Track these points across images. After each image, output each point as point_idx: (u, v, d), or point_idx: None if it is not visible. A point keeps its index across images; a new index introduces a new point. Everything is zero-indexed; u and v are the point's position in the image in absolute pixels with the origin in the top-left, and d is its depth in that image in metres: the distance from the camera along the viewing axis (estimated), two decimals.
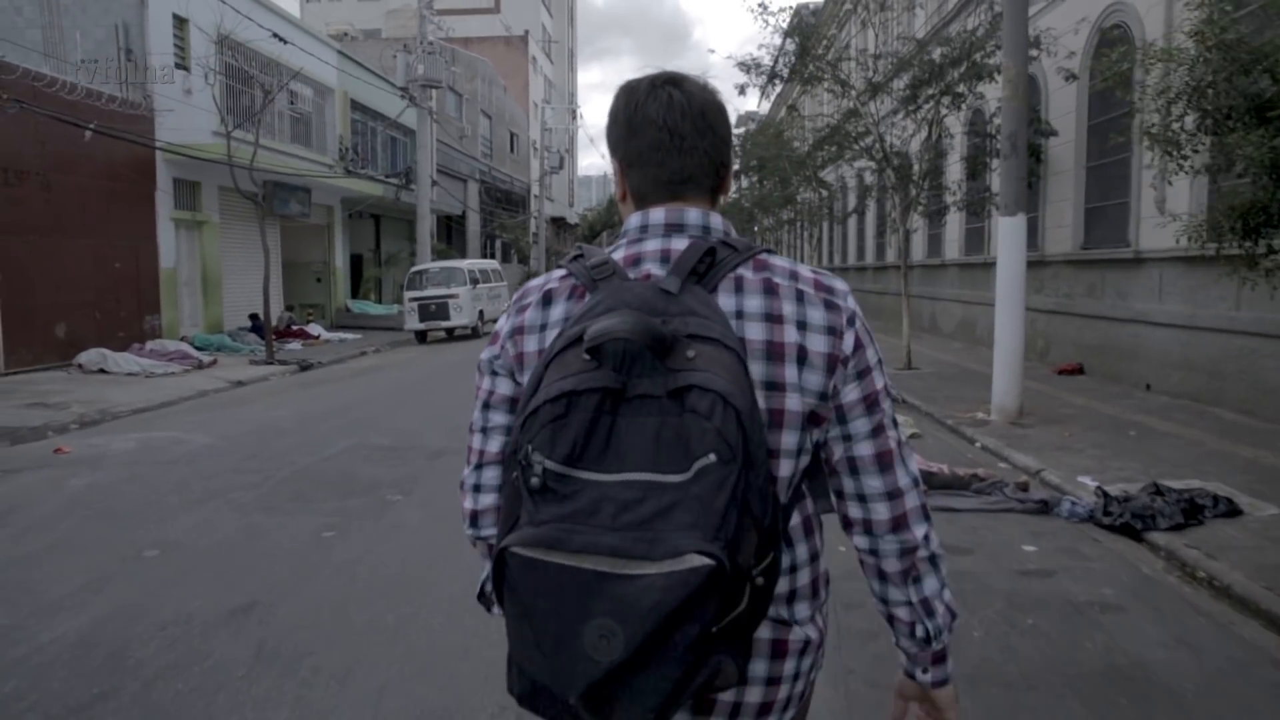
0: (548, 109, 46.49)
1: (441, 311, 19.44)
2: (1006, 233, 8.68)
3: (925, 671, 1.22)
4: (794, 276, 1.16)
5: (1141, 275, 10.49)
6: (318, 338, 18.82)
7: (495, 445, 1.22)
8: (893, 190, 13.21)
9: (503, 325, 1.22)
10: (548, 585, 0.92)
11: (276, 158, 18.46)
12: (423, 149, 23.05)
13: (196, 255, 17.11)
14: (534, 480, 0.96)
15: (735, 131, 1.69)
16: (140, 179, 15.10)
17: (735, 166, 10.95)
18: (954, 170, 14.42)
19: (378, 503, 5.91)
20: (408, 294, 19.78)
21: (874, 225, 24.93)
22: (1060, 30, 11.13)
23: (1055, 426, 8.29)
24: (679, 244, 1.15)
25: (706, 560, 0.88)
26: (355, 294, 25.12)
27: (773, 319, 1.11)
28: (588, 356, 0.98)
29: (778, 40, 13.60)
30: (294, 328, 19.03)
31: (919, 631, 1.19)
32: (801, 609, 1.18)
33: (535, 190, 44.25)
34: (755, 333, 1.11)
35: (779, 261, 1.17)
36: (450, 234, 33.82)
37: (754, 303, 1.12)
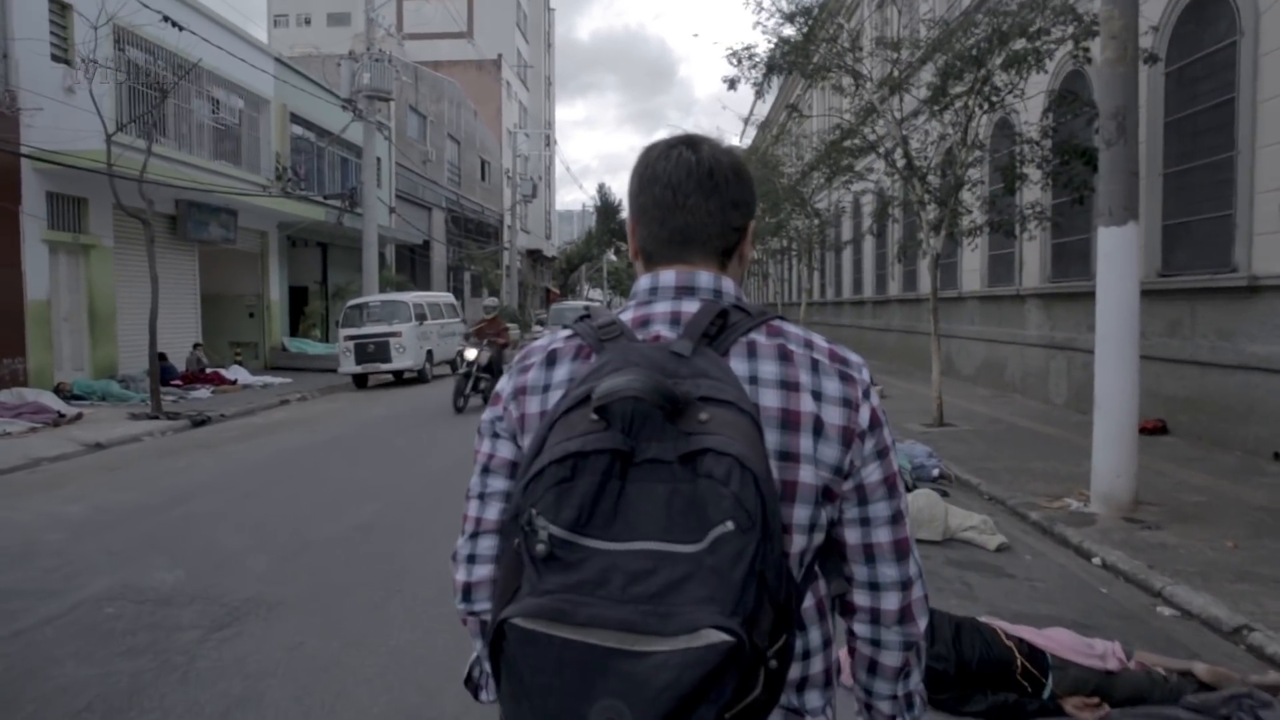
0: (522, 136, 44.06)
1: (381, 352, 16.58)
2: (1113, 249, 6.16)
3: None
4: (809, 345, 1.11)
5: (1257, 308, 8.05)
6: (234, 383, 16.01)
7: (493, 512, 1.14)
8: (919, 206, 10.73)
9: (504, 386, 1.15)
10: (550, 661, 0.83)
11: (191, 172, 15.83)
12: (369, 167, 20.39)
13: (81, 285, 14.25)
14: (540, 547, 0.87)
15: None
16: None
17: None
18: (984, 183, 11.98)
19: None
20: (343, 331, 16.88)
21: (873, 255, 22.55)
22: None
23: (1196, 525, 5.72)
24: (690, 306, 1.10)
25: (725, 636, 0.81)
26: (295, 331, 22.30)
27: (788, 386, 1.06)
28: (595, 417, 0.91)
29: (776, 24, 11.15)
30: (206, 371, 16.21)
31: None
32: (813, 698, 1.10)
33: (508, 220, 41.73)
34: (770, 399, 1.04)
35: (793, 329, 1.11)
36: (415, 266, 31.25)
37: (769, 368, 1.06)
